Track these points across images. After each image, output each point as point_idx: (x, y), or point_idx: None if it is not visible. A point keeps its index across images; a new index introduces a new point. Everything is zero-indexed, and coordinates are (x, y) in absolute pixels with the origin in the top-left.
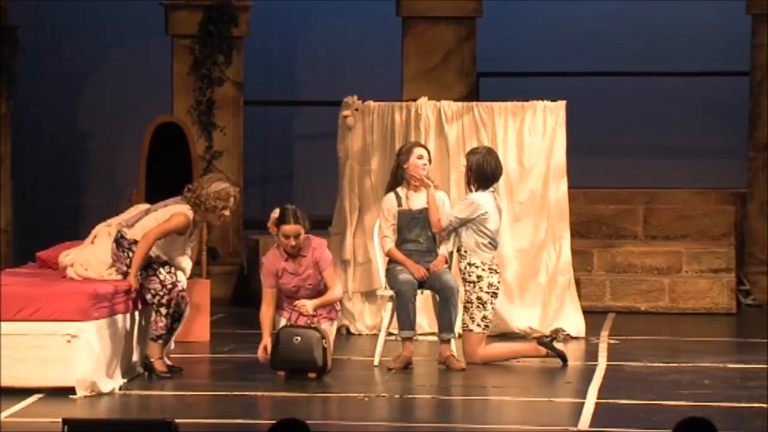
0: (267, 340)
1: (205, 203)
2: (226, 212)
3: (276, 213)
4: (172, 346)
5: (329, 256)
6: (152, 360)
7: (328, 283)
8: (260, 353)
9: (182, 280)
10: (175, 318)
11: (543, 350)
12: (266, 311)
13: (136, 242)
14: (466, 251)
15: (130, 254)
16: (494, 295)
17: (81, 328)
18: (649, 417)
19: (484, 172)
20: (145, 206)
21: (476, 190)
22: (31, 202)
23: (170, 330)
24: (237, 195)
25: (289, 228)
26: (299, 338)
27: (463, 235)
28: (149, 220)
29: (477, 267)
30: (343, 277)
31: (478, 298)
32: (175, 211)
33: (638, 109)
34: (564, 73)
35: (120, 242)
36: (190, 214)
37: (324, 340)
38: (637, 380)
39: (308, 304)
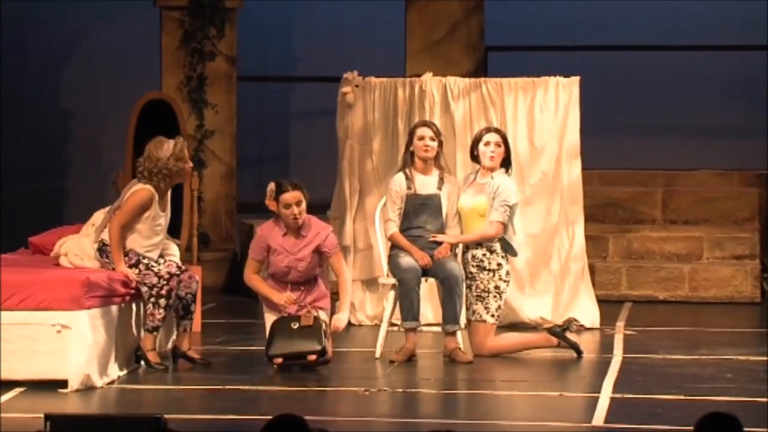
0: (276, 295)
1: (168, 170)
2: (188, 166)
3: (272, 186)
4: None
5: (334, 241)
6: (145, 351)
7: (337, 270)
8: (286, 300)
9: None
10: (190, 300)
11: (555, 341)
12: (253, 276)
13: None
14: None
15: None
16: (509, 283)
17: (73, 318)
18: (668, 413)
19: (511, 153)
20: (106, 209)
21: (502, 173)
22: (11, 184)
23: (187, 315)
24: (184, 143)
25: (289, 195)
26: (297, 324)
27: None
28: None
29: (497, 254)
30: None
31: (496, 287)
32: (133, 190)
33: (657, 86)
34: (578, 47)
35: (103, 249)
36: (152, 188)
37: (324, 324)
38: (654, 374)
39: (341, 322)
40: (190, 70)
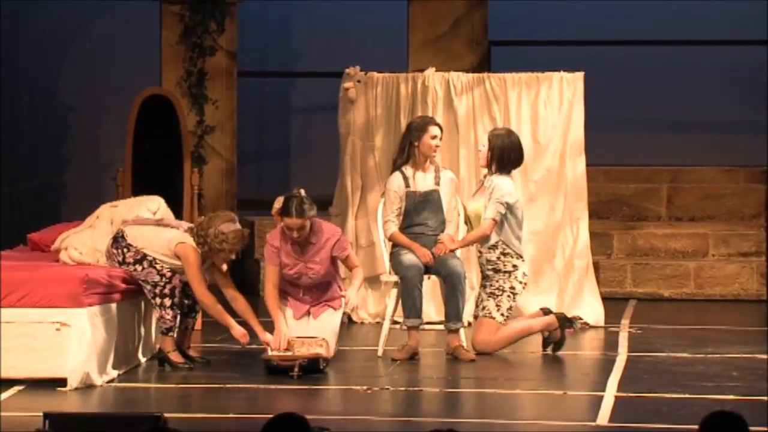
0: (281, 326)
1: (210, 243)
2: (233, 256)
3: (279, 203)
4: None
5: (344, 243)
6: (167, 353)
7: (350, 266)
8: (273, 344)
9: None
10: (193, 306)
11: (556, 324)
12: (272, 291)
13: (131, 246)
14: (497, 242)
15: (125, 252)
16: (525, 285)
17: (72, 316)
18: (673, 411)
19: (509, 154)
20: (151, 200)
21: (497, 173)
22: (9, 180)
23: (191, 313)
24: (247, 237)
25: (291, 222)
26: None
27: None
28: (155, 239)
29: (512, 256)
30: None
31: (512, 287)
32: (181, 242)
33: (662, 81)
34: (582, 42)
35: (118, 241)
36: (194, 245)
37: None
38: (659, 372)
39: (351, 296)
40: (190, 65)
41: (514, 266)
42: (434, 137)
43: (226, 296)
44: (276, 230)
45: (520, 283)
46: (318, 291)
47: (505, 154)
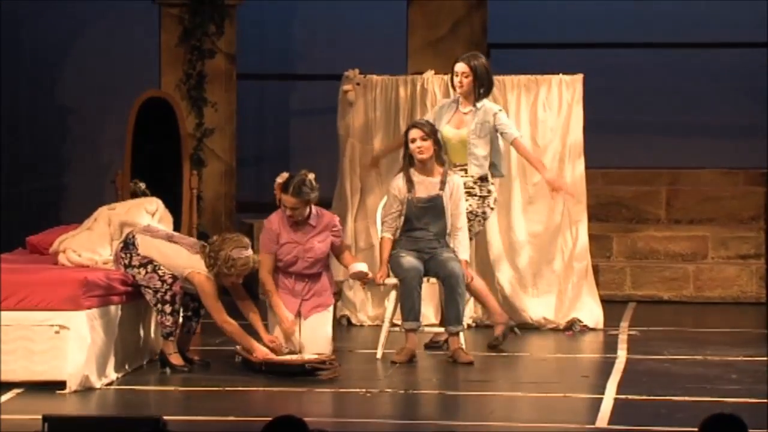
0: (284, 314)
1: (219, 266)
2: (240, 280)
3: (283, 178)
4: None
5: (341, 231)
6: (167, 355)
7: (343, 249)
8: (287, 327)
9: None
10: (197, 309)
11: (507, 318)
12: (267, 278)
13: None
14: (481, 164)
15: (132, 255)
16: (494, 211)
17: (71, 319)
18: (672, 414)
19: (490, 74)
20: (149, 202)
21: (486, 97)
22: (7, 182)
23: (195, 317)
24: (257, 263)
25: (287, 199)
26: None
27: (482, 146)
28: (168, 258)
29: (488, 181)
30: None
31: (484, 213)
32: (195, 272)
33: (661, 84)
34: (581, 44)
35: (128, 246)
36: (208, 273)
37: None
38: (659, 374)
39: (363, 268)
40: (189, 68)
41: (489, 191)
42: (413, 140)
43: (234, 299)
44: (275, 214)
45: (491, 208)
46: (310, 281)
47: (490, 75)
